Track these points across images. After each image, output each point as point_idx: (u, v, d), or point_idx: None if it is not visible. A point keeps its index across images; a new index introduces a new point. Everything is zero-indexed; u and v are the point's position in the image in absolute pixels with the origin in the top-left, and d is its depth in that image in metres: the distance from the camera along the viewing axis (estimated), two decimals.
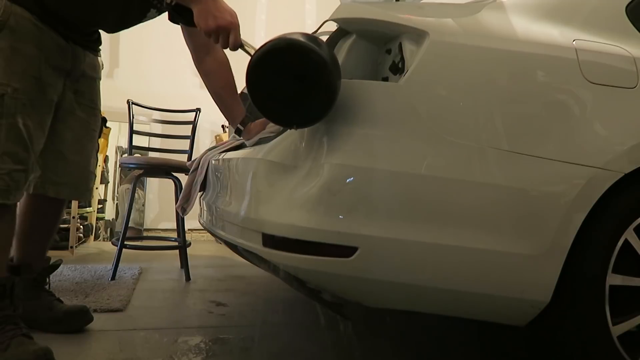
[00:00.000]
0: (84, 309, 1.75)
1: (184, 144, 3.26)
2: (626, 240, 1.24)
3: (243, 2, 3.75)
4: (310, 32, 1.32)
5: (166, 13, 1.71)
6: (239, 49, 1.44)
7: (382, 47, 1.29)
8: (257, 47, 1.23)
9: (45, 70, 1.46)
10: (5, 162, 1.37)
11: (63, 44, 1.52)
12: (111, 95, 3.25)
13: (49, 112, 1.50)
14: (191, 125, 3.23)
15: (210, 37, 1.43)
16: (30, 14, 1.44)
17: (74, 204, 3.43)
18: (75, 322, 1.71)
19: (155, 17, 1.66)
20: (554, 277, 1.18)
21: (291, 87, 1.15)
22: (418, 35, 1.20)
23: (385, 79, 1.25)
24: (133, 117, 3.14)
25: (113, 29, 1.65)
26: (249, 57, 1.22)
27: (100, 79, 1.74)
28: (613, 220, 1.23)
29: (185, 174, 2.10)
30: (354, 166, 1.15)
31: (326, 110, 1.16)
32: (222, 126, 4.49)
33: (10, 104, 1.38)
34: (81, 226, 3.89)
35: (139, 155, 3.27)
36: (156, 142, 4.17)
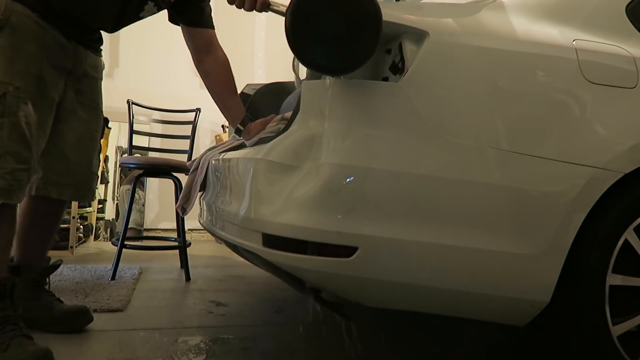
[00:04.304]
0: (84, 309, 1.75)
1: (184, 144, 3.26)
2: (626, 240, 1.24)
3: None
4: None
5: (167, 13, 1.71)
6: (268, 11, 1.38)
7: (382, 47, 1.29)
8: (285, 3, 1.18)
9: (46, 69, 1.45)
10: (7, 161, 1.36)
11: (65, 43, 1.51)
12: (111, 95, 3.24)
13: (51, 111, 1.50)
14: (191, 125, 3.23)
15: (234, 2, 1.38)
16: (32, 11, 1.43)
17: (74, 204, 3.42)
18: (75, 322, 1.71)
19: (154, 13, 1.65)
20: (554, 277, 1.18)
21: (337, 26, 1.11)
22: (418, 35, 1.20)
23: (385, 79, 1.25)
24: (133, 117, 3.14)
25: (114, 26, 1.64)
26: (283, 16, 1.17)
27: (101, 79, 1.73)
28: (613, 220, 1.23)
29: (185, 174, 2.10)
30: (354, 166, 1.15)
31: (373, 49, 1.13)
32: (222, 126, 4.49)
33: (12, 103, 1.37)
34: (81, 226, 3.89)
35: (139, 155, 3.27)
36: (156, 142, 4.16)
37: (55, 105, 1.51)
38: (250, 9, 1.39)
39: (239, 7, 1.40)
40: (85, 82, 1.63)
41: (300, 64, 2.24)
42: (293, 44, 1.13)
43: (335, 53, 1.14)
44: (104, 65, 1.77)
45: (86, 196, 1.75)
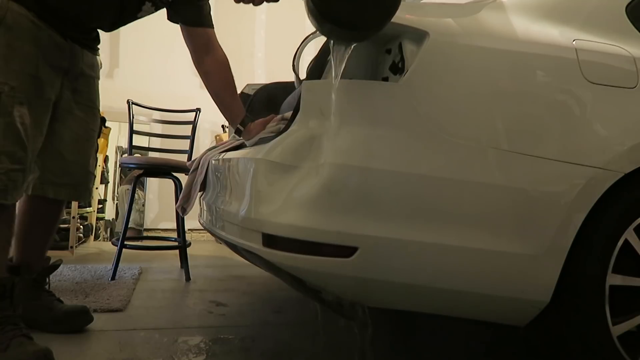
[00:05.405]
0: (84, 309, 1.75)
1: (184, 144, 3.26)
2: (626, 240, 1.24)
3: None
4: (311, 31, 1.31)
5: (165, 12, 1.71)
6: None
7: (382, 47, 1.29)
8: None
9: (42, 68, 1.45)
10: (2, 161, 1.36)
11: (61, 42, 1.50)
12: (111, 95, 3.25)
13: (47, 111, 1.49)
14: (191, 125, 3.23)
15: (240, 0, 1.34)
16: (28, 10, 1.42)
17: (74, 204, 3.43)
18: (75, 322, 1.71)
19: (152, 12, 1.65)
20: (554, 277, 1.18)
21: None
22: (418, 35, 1.20)
23: (385, 79, 1.25)
24: (133, 117, 3.14)
25: (110, 25, 1.63)
26: None
27: (99, 79, 1.73)
28: (613, 221, 1.23)
29: (185, 174, 2.10)
30: (354, 166, 1.15)
31: (396, 4, 1.12)
32: (222, 126, 4.49)
33: (7, 103, 1.36)
34: (81, 226, 3.89)
35: (139, 155, 3.27)
36: (156, 142, 4.17)
37: (51, 104, 1.51)
38: (259, 3, 1.35)
39: (246, 2, 1.37)
40: (82, 81, 1.63)
41: (300, 58, 2.24)
42: (315, 4, 1.10)
43: (359, 10, 1.11)
44: (101, 64, 1.76)
45: (83, 196, 1.74)
